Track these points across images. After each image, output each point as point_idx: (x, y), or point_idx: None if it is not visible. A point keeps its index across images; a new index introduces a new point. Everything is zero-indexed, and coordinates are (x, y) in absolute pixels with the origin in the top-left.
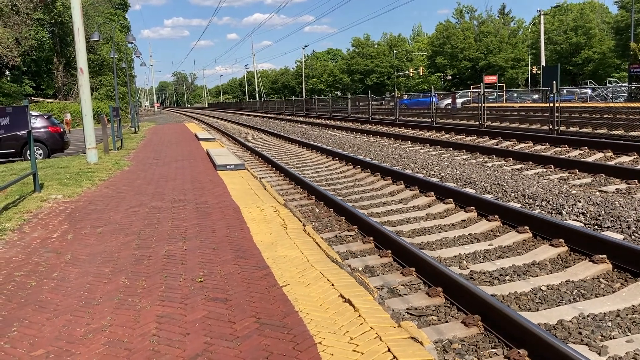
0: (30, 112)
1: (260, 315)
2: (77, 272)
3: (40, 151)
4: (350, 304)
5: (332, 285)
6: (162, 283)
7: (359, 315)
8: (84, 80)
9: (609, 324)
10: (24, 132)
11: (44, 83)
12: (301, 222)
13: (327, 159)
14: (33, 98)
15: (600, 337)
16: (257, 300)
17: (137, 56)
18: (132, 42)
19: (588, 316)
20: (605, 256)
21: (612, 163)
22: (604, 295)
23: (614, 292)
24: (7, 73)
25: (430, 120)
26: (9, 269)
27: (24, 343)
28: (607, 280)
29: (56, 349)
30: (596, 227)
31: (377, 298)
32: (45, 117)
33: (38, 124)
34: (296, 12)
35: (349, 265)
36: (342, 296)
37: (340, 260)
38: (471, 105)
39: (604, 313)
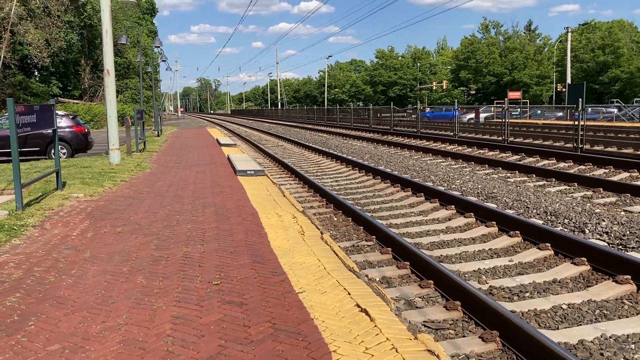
0: (56, 111)
1: (275, 320)
2: (96, 270)
3: (64, 150)
4: (367, 313)
5: (349, 294)
6: (178, 284)
7: (375, 326)
8: (110, 81)
9: (632, 346)
10: (49, 130)
11: (70, 84)
12: (319, 229)
13: (347, 168)
14: (60, 99)
15: (622, 359)
16: (273, 306)
17: (163, 61)
18: (158, 47)
19: (610, 337)
20: (629, 277)
21: (638, 183)
22: (627, 317)
23: (638, 314)
24: (36, 73)
25: (452, 133)
26: (29, 264)
27: (41, 337)
28: (631, 302)
29: (71, 344)
30: (620, 247)
31: (394, 309)
32: (71, 117)
33: (63, 123)
34: (321, 22)
35: (366, 275)
36: (358, 305)
37: (357, 270)
38: (494, 120)
39: (627, 335)
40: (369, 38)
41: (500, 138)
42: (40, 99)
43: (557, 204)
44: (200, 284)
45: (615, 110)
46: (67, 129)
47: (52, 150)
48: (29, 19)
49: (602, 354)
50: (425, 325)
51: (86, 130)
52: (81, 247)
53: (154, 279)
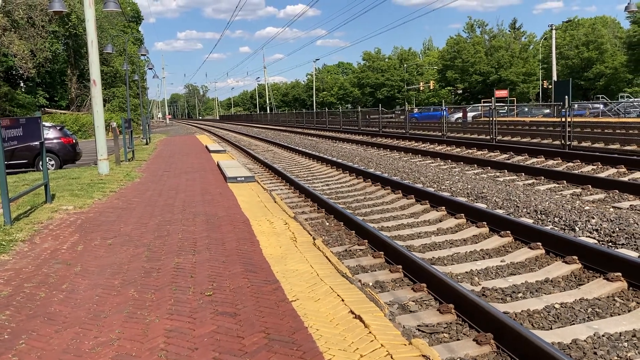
0: (43, 123)
1: (269, 330)
2: (87, 284)
3: (53, 162)
4: (361, 320)
5: (342, 300)
6: (171, 296)
7: (370, 332)
8: (96, 92)
9: (625, 344)
10: (36, 143)
11: (57, 94)
12: (311, 235)
13: (337, 171)
14: (46, 109)
15: (616, 358)
16: (266, 315)
17: (149, 68)
18: (144, 55)
19: (603, 336)
20: (620, 274)
21: (625, 179)
22: (619, 315)
23: (629, 311)
24: (22, 84)
25: (440, 134)
26: (19, 280)
27: (32, 356)
28: (622, 299)
29: None
30: (610, 244)
31: (388, 314)
32: (58, 128)
33: (51, 135)
34: (308, 26)
35: (359, 280)
36: (352, 312)
37: (350, 275)
38: (482, 119)
39: (620, 333)
40: (356, 40)
41: (488, 137)
42: (27, 110)
43: (547, 203)
44: (193, 295)
45: (601, 106)
46: (54, 141)
47: (41, 162)
48: (12, 29)
49: (595, 353)
50: (419, 330)
51: (74, 141)
52: (72, 260)
53: (146, 292)
